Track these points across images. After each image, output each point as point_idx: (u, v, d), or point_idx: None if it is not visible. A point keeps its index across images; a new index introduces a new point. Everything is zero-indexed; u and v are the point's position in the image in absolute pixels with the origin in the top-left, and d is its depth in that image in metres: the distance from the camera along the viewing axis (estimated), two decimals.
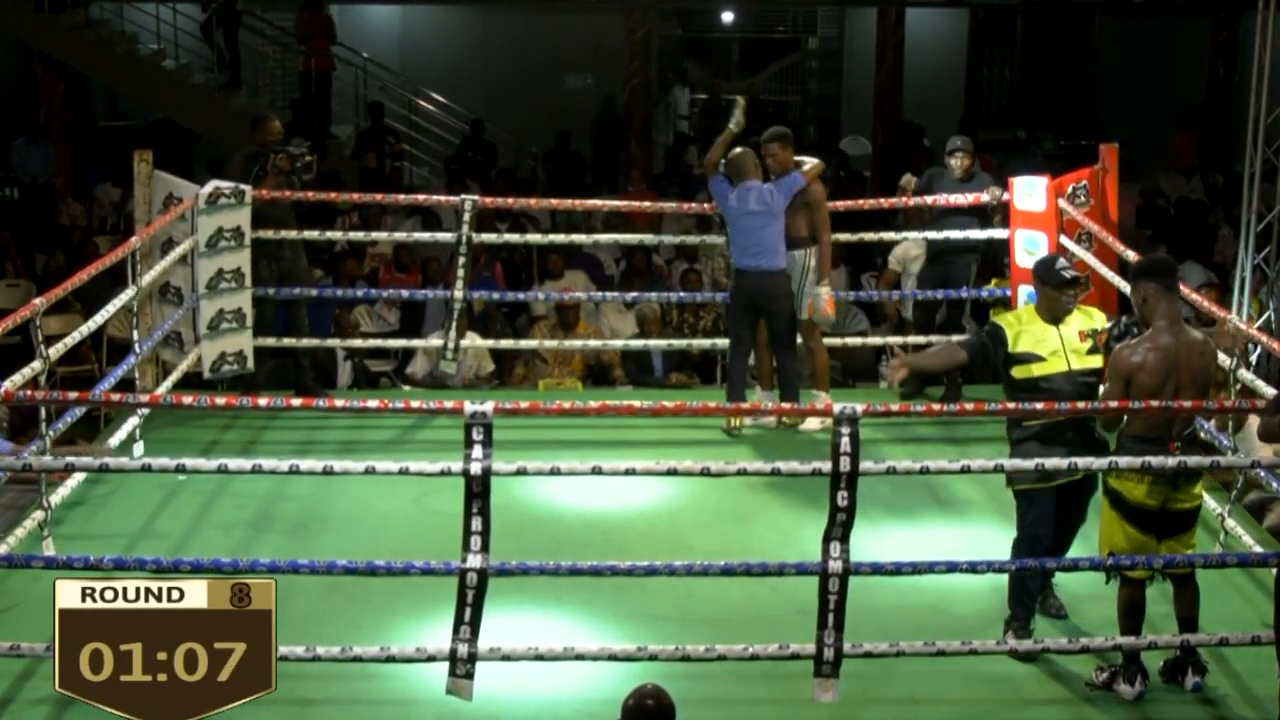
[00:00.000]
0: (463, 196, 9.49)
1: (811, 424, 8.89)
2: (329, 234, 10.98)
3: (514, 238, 11.32)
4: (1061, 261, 6.48)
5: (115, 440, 8.05)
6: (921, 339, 9.70)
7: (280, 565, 5.75)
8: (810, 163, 8.87)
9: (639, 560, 6.05)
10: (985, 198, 9.38)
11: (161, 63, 16.98)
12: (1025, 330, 6.30)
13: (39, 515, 6.95)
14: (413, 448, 8.48)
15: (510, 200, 10.96)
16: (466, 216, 9.34)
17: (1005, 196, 9.32)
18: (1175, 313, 6.00)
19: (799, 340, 8.97)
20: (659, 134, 19.90)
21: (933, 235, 9.54)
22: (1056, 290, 6.30)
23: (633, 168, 17.36)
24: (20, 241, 14.14)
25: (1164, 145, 18.11)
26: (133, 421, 8.26)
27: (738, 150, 8.89)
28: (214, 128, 16.90)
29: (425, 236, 10.85)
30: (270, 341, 9.44)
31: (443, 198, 11.52)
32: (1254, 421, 7.14)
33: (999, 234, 9.53)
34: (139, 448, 8.16)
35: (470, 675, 5.64)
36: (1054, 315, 6.31)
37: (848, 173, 17.10)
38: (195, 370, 9.01)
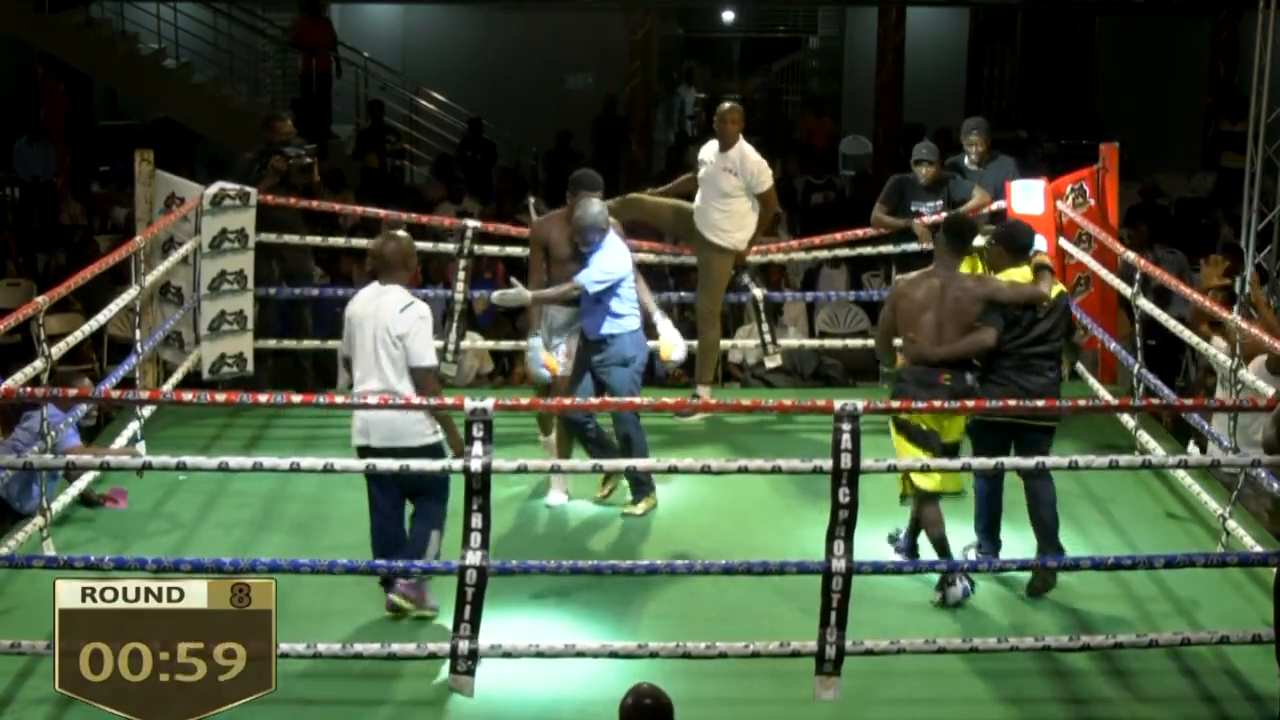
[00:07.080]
0: (464, 222, 9.62)
1: (555, 495, 7.86)
2: (330, 240, 10.94)
3: (515, 250, 11.18)
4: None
5: (120, 442, 8.05)
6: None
7: (281, 565, 5.75)
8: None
9: (640, 559, 6.05)
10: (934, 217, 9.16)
11: (162, 62, 16.97)
12: None
13: (39, 520, 6.95)
14: None
15: (511, 228, 10.63)
16: (468, 234, 9.38)
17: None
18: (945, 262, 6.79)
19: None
20: (660, 134, 19.88)
21: (913, 248, 9.28)
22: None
23: (634, 168, 17.33)
24: (21, 241, 14.13)
25: (1164, 145, 18.09)
26: (135, 424, 8.29)
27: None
28: (214, 128, 16.89)
29: (426, 246, 10.79)
30: (271, 343, 9.44)
31: (445, 219, 11.44)
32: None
33: None
34: (141, 448, 8.16)
35: (471, 672, 5.65)
36: None
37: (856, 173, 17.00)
38: (195, 370, 9.01)
